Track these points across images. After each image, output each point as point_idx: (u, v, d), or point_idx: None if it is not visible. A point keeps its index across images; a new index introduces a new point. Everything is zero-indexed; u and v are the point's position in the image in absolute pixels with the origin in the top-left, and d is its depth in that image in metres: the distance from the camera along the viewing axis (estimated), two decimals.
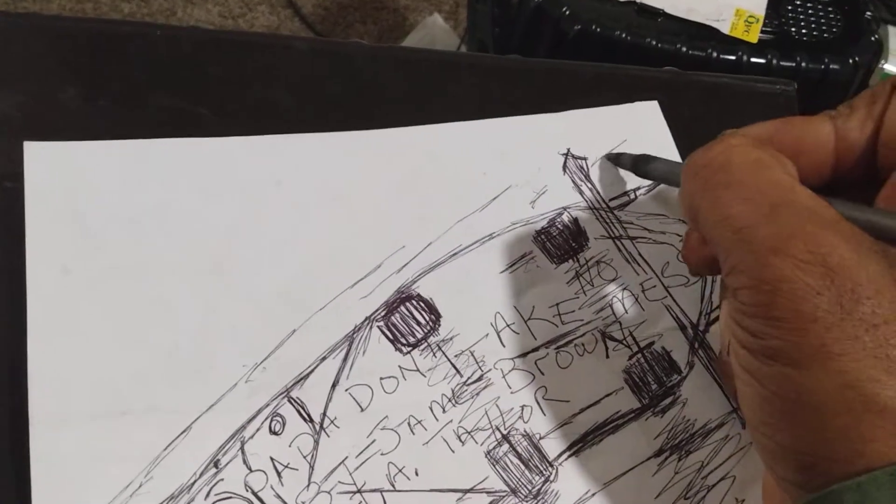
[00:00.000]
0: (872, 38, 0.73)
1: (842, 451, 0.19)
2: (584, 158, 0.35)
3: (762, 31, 0.69)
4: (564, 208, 0.34)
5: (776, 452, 0.21)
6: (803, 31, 0.73)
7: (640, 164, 0.33)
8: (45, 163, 0.31)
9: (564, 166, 0.35)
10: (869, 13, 0.75)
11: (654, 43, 0.64)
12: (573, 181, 0.35)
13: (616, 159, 0.35)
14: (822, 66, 0.69)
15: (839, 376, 0.19)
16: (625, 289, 0.33)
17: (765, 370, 0.21)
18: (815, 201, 0.22)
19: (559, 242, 0.34)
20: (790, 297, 0.20)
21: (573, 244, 0.34)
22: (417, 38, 1.21)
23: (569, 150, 0.35)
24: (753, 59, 0.67)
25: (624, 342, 0.33)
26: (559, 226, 0.34)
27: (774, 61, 0.68)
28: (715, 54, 0.66)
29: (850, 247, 0.20)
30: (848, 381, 0.19)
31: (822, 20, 0.75)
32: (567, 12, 0.65)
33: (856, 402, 0.19)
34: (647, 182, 0.35)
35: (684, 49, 0.65)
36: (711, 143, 0.24)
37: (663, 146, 0.35)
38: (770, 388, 0.21)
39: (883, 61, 0.77)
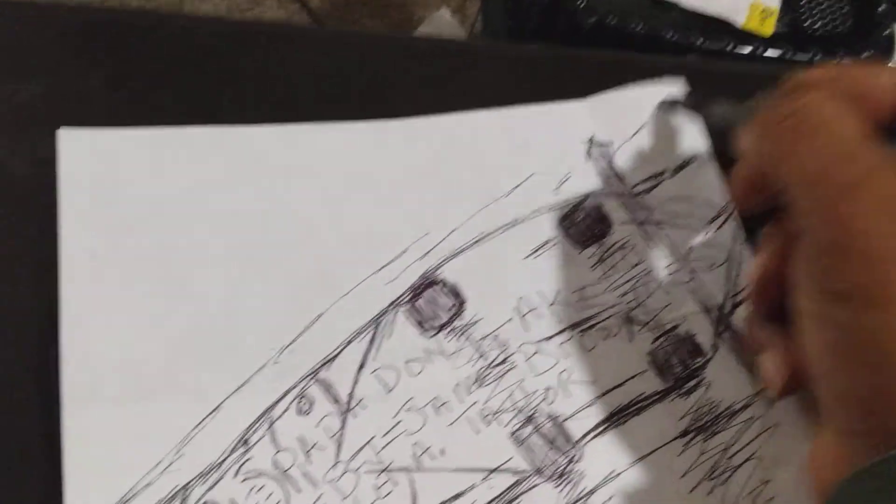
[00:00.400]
0: (885, 33, 0.73)
1: None
2: (608, 144, 0.35)
3: (777, 25, 0.69)
4: (588, 194, 0.35)
5: (843, 400, 0.22)
6: (817, 24, 0.73)
7: (701, 105, 0.34)
8: (79, 149, 0.32)
9: (588, 153, 0.35)
10: (882, 7, 0.75)
11: (669, 36, 0.65)
12: (597, 167, 0.35)
13: (671, 106, 0.35)
14: (837, 60, 0.69)
15: None
16: (648, 273, 0.34)
17: (835, 313, 0.22)
18: (886, 150, 0.22)
19: (582, 228, 0.34)
20: (864, 237, 0.21)
21: (597, 229, 0.34)
22: (425, 34, 1.21)
23: (592, 136, 0.35)
24: (768, 53, 0.68)
25: (648, 326, 0.33)
26: (582, 212, 0.34)
27: (789, 55, 0.68)
28: (730, 47, 0.66)
29: None
30: None
31: (836, 14, 0.75)
32: (582, 5, 0.65)
33: None
34: (672, 166, 0.35)
35: (700, 42, 0.65)
36: (787, 96, 0.25)
37: (689, 126, 0.35)
38: (840, 331, 0.21)
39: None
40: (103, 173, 0.32)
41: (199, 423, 0.29)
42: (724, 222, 0.34)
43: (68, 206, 0.31)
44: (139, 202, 0.32)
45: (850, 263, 0.21)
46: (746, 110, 0.28)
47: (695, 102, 0.34)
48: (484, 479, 0.30)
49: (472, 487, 0.30)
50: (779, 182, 0.25)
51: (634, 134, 0.36)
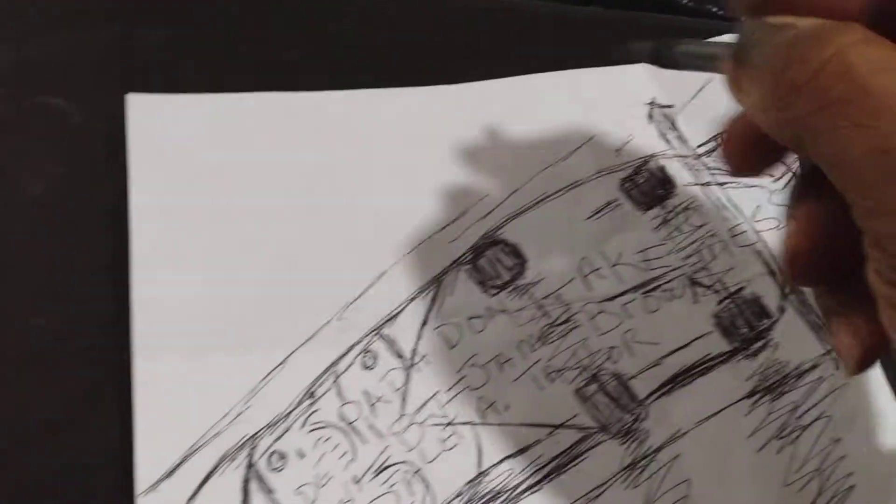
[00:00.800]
0: None
1: None
2: (670, 106, 0.35)
3: None
4: (650, 156, 0.34)
5: None
6: None
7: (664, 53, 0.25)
8: (147, 113, 0.32)
9: (650, 115, 0.35)
10: None
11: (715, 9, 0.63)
12: (658, 129, 0.35)
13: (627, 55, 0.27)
14: None
15: None
16: (713, 235, 0.33)
17: None
18: None
19: (645, 190, 0.34)
20: None
21: (660, 191, 0.34)
22: None
23: (653, 98, 0.35)
24: None
25: (713, 288, 0.32)
26: (645, 173, 0.34)
27: None
28: None
29: None
30: None
31: None
32: None
33: None
34: None
35: None
36: (804, 41, 0.17)
37: None
38: None
39: None
40: (171, 136, 0.33)
41: (267, 375, 0.29)
42: (789, 181, 0.34)
43: (138, 165, 0.31)
44: (206, 164, 0.32)
45: None
46: (719, 48, 0.22)
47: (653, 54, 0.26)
48: (549, 434, 0.30)
49: (537, 442, 0.29)
50: (824, 162, 0.18)
51: (695, 95, 0.35)
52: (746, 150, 0.21)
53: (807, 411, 0.30)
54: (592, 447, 0.30)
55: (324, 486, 0.28)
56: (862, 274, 0.18)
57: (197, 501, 0.27)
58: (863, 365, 0.20)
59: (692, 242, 0.33)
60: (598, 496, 0.29)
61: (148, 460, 0.27)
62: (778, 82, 0.18)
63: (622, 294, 0.32)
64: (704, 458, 0.30)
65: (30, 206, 0.31)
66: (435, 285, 0.32)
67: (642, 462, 0.29)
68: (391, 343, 0.30)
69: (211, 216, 0.31)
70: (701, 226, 0.34)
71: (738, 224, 0.33)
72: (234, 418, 0.28)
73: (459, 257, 0.32)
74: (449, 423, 0.29)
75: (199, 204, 0.32)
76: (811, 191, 0.19)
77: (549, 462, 0.29)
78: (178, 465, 0.27)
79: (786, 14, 0.19)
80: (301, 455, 0.28)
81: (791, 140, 0.18)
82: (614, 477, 0.29)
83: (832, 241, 0.19)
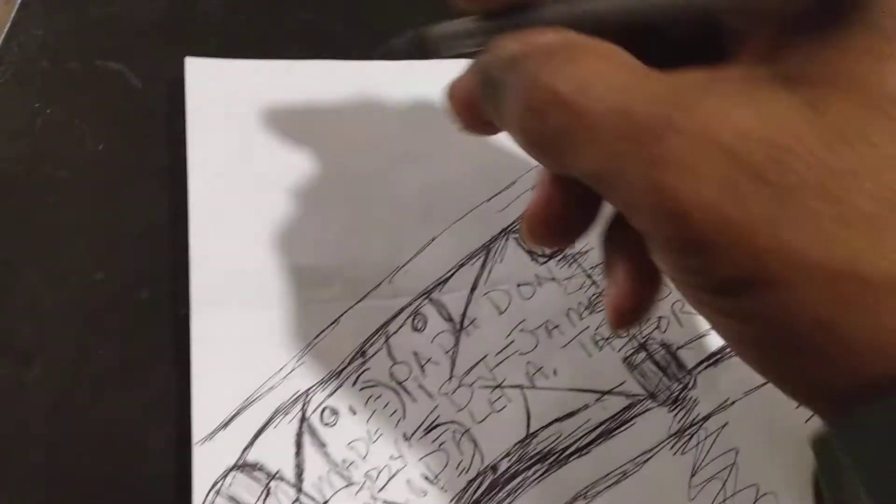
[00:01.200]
0: None
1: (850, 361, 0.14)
2: None
3: None
4: None
5: (787, 386, 0.16)
6: None
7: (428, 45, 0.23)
8: (204, 77, 0.33)
9: None
10: None
11: None
12: None
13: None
14: None
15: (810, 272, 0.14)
16: None
17: (731, 305, 0.16)
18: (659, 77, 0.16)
19: None
20: (704, 214, 0.15)
21: None
22: None
23: None
24: None
25: None
26: None
27: None
28: None
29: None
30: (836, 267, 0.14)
31: None
32: None
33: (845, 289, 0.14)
34: None
35: None
36: (510, 66, 0.18)
37: None
38: (743, 328, 0.16)
39: None
40: (227, 99, 0.33)
41: (319, 333, 0.30)
42: None
43: (195, 126, 0.32)
44: (261, 126, 0.33)
45: (711, 255, 0.15)
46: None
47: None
48: (597, 400, 0.30)
49: (585, 407, 0.30)
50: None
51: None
52: (473, 108, 0.21)
53: None
54: (640, 414, 0.30)
55: (374, 441, 0.29)
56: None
57: (252, 452, 0.28)
58: (624, 319, 0.20)
59: None
60: (646, 461, 0.29)
61: (204, 412, 0.28)
62: (518, 129, 0.18)
63: None
64: (752, 427, 0.30)
65: (91, 163, 0.32)
66: (484, 252, 0.32)
67: (690, 429, 0.30)
68: (440, 307, 0.31)
69: (265, 177, 0.32)
70: None
71: None
72: (288, 374, 0.29)
73: (509, 226, 0.33)
74: (498, 386, 0.30)
75: (254, 165, 0.32)
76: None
77: (598, 427, 0.29)
78: (234, 416, 0.28)
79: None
80: (353, 411, 0.29)
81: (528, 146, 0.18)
82: (662, 443, 0.29)
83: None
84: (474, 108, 0.20)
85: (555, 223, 0.20)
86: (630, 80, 0.16)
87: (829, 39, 0.15)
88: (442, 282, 0.31)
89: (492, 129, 0.21)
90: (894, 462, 0.13)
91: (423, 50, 0.23)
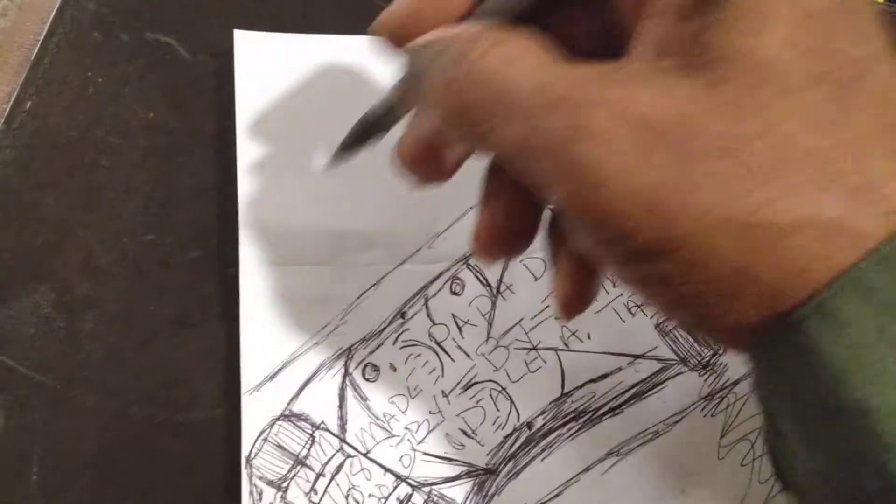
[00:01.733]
0: None
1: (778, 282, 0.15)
2: None
3: None
4: None
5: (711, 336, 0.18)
6: None
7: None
8: (252, 49, 0.34)
9: None
10: None
11: None
12: None
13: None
14: None
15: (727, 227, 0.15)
16: None
17: (647, 275, 0.17)
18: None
19: None
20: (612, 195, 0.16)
21: None
22: None
23: None
24: None
25: None
26: None
27: None
28: None
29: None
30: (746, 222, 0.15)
31: None
32: None
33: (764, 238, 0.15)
34: None
35: None
36: (447, 56, 0.19)
37: None
38: (665, 289, 0.17)
39: None
40: (274, 70, 0.34)
41: (362, 294, 0.31)
42: None
43: (243, 95, 0.33)
44: (306, 98, 0.34)
45: (625, 223, 0.16)
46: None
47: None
48: (630, 363, 0.31)
49: (619, 370, 0.31)
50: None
51: None
52: (427, 159, 0.23)
53: None
54: (672, 377, 0.31)
55: (414, 397, 0.30)
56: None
57: (297, 403, 0.29)
58: (571, 308, 0.22)
59: None
60: (676, 422, 0.30)
61: (252, 364, 0.29)
62: (440, 106, 0.19)
63: None
64: None
65: (141, 129, 0.33)
66: None
67: (720, 393, 0.30)
68: (478, 272, 0.32)
69: (310, 145, 0.33)
70: None
71: None
72: (332, 331, 0.30)
73: None
74: (533, 348, 0.31)
75: (299, 133, 0.33)
76: (494, 179, 0.22)
77: (630, 388, 0.30)
78: (280, 369, 0.29)
79: (420, 30, 0.20)
80: (393, 368, 0.30)
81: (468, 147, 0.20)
82: (693, 405, 0.30)
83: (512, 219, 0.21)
84: (425, 152, 0.22)
85: (501, 235, 0.21)
86: (550, 60, 0.17)
87: (710, 27, 0.16)
88: None
89: (446, 170, 0.23)
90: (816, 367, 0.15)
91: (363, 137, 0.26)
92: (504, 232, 0.21)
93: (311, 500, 0.28)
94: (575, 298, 0.21)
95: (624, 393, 0.30)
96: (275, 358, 0.29)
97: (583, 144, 0.16)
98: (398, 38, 0.21)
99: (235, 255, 0.31)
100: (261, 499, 0.28)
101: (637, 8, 0.18)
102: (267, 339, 0.29)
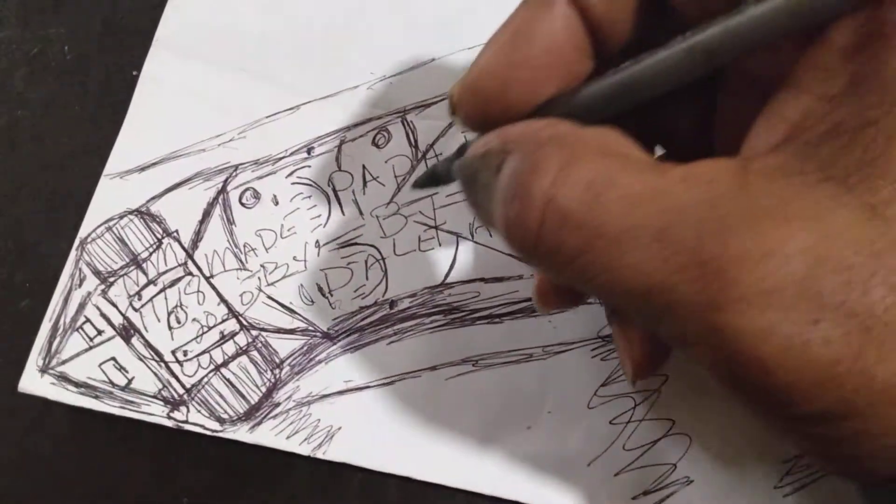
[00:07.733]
0: None
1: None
2: None
3: None
4: None
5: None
6: None
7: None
8: None
9: None
10: None
11: None
12: None
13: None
14: None
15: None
16: None
17: (803, 432, 0.14)
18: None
19: None
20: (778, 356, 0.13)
21: None
22: None
23: None
24: None
25: None
26: None
27: None
28: None
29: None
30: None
31: None
32: None
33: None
34: None
35: None
36: (512, 189, 0.15)
37: None
38: (820, 445, 0.14)
39: None
40: None
41: (274, 114, 0.28)
42: None
43: None
44: None
45: (789, 395, 0.13)
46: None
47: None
48: (533, 275, 0.26)
49: (519, 277, 0.27)
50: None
51: None
52: (558, 300, 0.20)
53: None
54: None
55: (285, 238, 0.27)
56: None
57: (158, 203, 0.26)
58: (637, 374, 0.19)
59: None
60: (558, 352, 0.26)
61: (126, 149, 0.27)
62: (511, 243, 0.15)
63: None
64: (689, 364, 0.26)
65: None
66: None
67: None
68: (411, 130, 0.28)
69: None
70: None
71: None
72: (226, 143, 0.27)
73: None
74: (434, 227, 0.27)
75: None
76: None
77: (523, 301, 0.26)
78: (153, 164, 0.27)
79: (507, 119, 0.16)
80: (275, 202, 0.27)
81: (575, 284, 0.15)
82: (585, 341, 0.26)
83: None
84: (552, 294, 0.20)
85: (560, 293, 0.19)
86: (646, 182, 0.13)
87: (863, 111, 0.13)
88: (423, 106, 0.28)
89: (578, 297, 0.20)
90: None
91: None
92: (563, 290, 0.19)
93: (131, 304, 0.26)
94: (647, 363, 0.19)
95: (513, 304, 0.26)
96: (152, 150, 0.27)
97: (728, 314, 0.13)
98: (477, 124, 0.17)
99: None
100: (80, 285, 0.26)
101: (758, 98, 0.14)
102: (151, 128, 0.27)
